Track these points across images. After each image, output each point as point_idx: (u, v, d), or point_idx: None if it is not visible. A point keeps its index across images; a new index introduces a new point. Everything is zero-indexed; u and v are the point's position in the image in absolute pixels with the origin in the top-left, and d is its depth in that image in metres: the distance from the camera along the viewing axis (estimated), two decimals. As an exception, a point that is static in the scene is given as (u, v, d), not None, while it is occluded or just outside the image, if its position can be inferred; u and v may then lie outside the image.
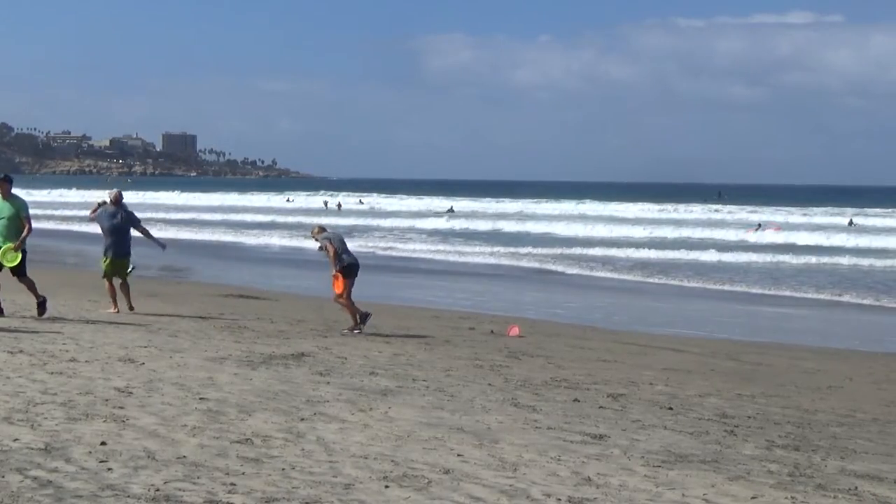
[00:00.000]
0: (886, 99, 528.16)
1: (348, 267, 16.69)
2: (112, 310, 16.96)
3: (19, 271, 15.10)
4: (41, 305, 15.26)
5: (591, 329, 18.98)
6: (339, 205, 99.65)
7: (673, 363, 14.54)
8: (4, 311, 15.08)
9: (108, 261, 17.24)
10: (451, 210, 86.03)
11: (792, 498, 7.46)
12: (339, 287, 16.62)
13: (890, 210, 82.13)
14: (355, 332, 16.23)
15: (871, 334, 18.48)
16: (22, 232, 14.94)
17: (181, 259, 37.07)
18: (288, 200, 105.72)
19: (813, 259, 38.69)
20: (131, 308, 17.20)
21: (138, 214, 18.51)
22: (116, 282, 17.20)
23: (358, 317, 16.42)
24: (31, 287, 15.23)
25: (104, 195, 18.25)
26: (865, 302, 26.48)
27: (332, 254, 16.49)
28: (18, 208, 14.97)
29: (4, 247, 14.79)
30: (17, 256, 14.94)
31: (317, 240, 17.54)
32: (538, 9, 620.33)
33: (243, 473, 7.13)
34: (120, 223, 17.36)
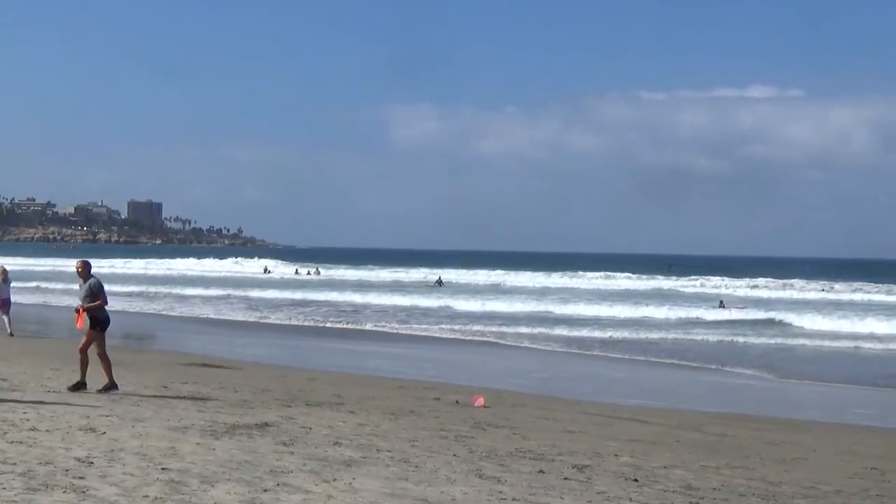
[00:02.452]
0: (852, 170, 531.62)
1: (106, 321, 16.58)
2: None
3: None
4: None
5: (556, 399, 18.98)
6: (315, 271, 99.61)
7: (638, 434, 14.55)
8: None
9: None
10: (439, 281, 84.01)
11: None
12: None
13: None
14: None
15: (833, 407, 18.51)
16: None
17: (143, 328, 37.00)
18: (309, 272, 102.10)
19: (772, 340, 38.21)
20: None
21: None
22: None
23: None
24: None
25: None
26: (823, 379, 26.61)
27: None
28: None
29: None
30: None
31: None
32: (504, 80, 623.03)
33: (205, 548, 7.06)
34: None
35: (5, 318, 24.63)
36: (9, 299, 27.39)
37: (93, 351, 16.03)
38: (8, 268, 22.86)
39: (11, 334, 20.00)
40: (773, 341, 36.19)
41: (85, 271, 16.97)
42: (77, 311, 16.44)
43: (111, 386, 15.99)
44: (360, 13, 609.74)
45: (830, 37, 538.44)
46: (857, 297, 67.40)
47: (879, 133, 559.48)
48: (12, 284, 27.56)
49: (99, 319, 16.23)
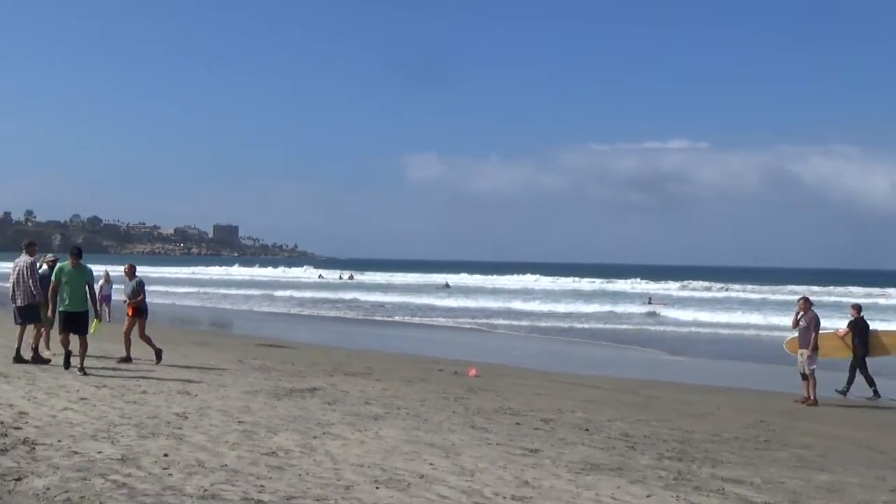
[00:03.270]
0: (744, 201, 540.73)
1: (145, 310, 16.22)
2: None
3: (83, 333, 13.54)
4: (83, 368, 13.26)
5: (528, 370, 19.01)
6: (349, 277, 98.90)
7: (588, 396, 14.60)
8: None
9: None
10: (446, 284, 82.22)
11: (676, 496, 7.53)
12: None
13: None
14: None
15: (735, 378, 18.53)
16: (92, 298, 13.95)
17: (222, 318, 36.97)
18: (320, 276, 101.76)
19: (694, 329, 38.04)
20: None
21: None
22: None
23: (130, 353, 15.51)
24: (85, 347, 13.56)
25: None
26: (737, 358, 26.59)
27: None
28: (88, 276, 13.79)
29: (94, 323, 13.92)
30: (95, 326, 14.04)
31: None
32: (490, 135, 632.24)
33: (270, 478, 7.15)
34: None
35: (106, 310, 24.65)
36: (110, 296, 27.50)
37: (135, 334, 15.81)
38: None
39: (108, 321, 19.66)
40: (660, 328, 36.46)
41: (131, 272, 16.72)
42: (126, 304, 16.12)
43: (159, 355, 15.71)
44: (383, 90, 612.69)
45: (729, 104, 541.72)
46: (747, 295, 67.19)
47: (764, 174, 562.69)
48: (112, 286, 27.71)
49: (139, 310, 16.00)
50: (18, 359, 14.09)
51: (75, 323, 13.42)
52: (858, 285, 79.84)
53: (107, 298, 26.85)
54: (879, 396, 16.87)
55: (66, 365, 13.29)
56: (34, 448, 7.69)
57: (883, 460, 10.15)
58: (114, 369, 14.28)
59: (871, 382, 17.04)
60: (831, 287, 74.61)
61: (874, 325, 18.85)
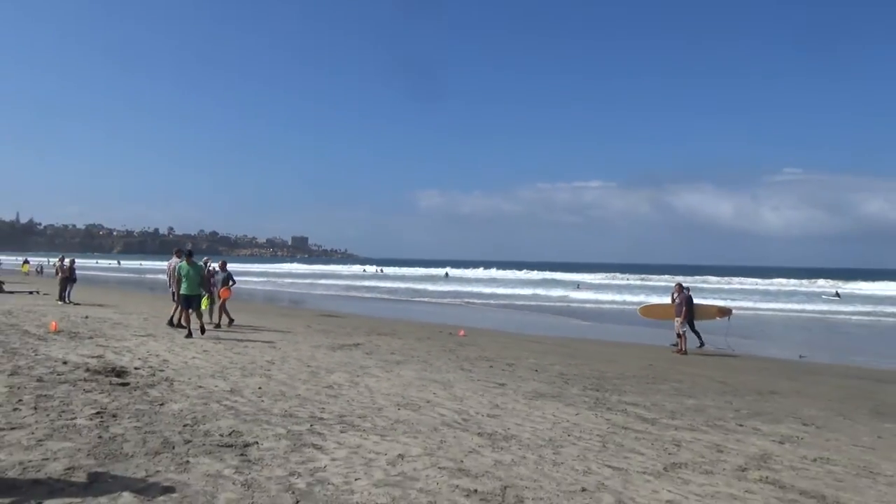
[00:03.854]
0: (639, 222, 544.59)
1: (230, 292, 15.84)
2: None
3: (199, 307, 13.35)
4: (199, 329, 13.07)
5: (500, 332, 19.02)
6: (380, 270, 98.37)
7: (537, 349, 14.61)
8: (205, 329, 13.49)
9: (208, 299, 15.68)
10: (446, 274, 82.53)
11: (595, 414, 7.54)
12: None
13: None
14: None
15: (638, 337, 18.53)
16: (202, 284, 13.57)
17: (296, 296, 36.93)
18: (378, 270, 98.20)
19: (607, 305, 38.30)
20: (216, 325, 15.34)
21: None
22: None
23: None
24: (200, 317, 13.35)
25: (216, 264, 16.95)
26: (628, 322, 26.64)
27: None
28: (199, 269, 13.46)
29: (205, 297, 13.79)
30: (206, 302, 13.90)
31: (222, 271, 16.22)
32: (472, 176, 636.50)
33: (328, 403, 7.15)
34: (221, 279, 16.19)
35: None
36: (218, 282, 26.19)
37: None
38: (230, 267, 21.64)
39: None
40: (584, 305, 36.23)
41: (223, 266, 16.43)
42: (220, 291, 15.65)
43: (231, 320, 15.41)
44: (405, 145, 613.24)
45: (629, 157, 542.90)
46: (640, 283, 67.27)
47: (651, 203, 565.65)
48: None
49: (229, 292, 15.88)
50: (170, 324, 14.26)
51: (192, 302, 13.14)
52: (710, 275, 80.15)
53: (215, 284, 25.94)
54: (704, 345, 16.84)
55: (189, 333, 12.75)
56: (172, 383, 7.69)
57: (729, 390, 10.17)
58: (225, 331, 14.27)
59: (698, 335, 17.16)
60: (695, 276, 75.06)
61: (697, 300, 19.16)
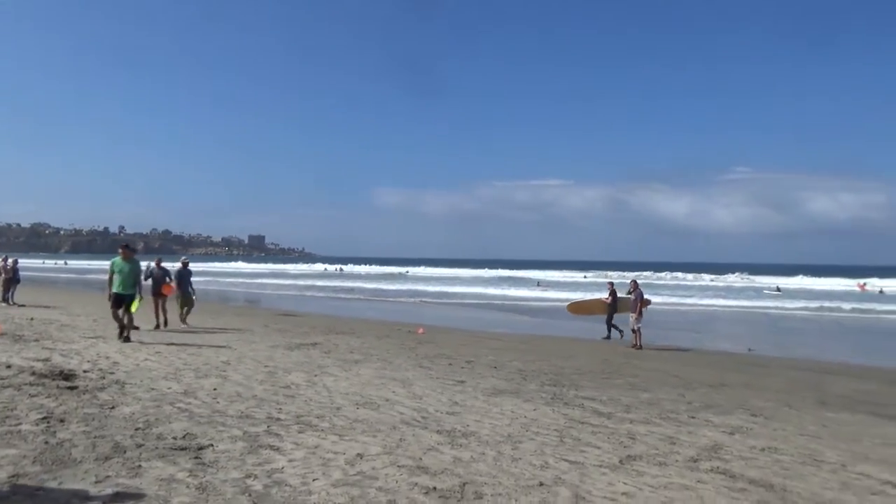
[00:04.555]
0: (596, 220, 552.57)
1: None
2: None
3: (129, 308, 11.70)
4: (128, 337, 11.64)
5: (457, 329, 19.06)
6: (340, 269, 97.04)
7: (496, 346, 14.70)
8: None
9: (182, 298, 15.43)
10: (406, 272, 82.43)
11: (553, 409, 7.62)
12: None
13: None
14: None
15: (595, 333, 18.78)
16: (137, 284, 11.93)
17: (253, 295, 36.35)
18: (337, 269, 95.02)
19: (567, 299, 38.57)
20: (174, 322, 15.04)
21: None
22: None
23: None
24: (131, 321, 11.88)
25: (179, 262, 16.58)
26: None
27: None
28: (136, 266, 12.01)
29: (136, 301, 11.72)
30: (137, 304, 11.72)
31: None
32: (429, 173, 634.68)
33: (285, 403, 7.06)
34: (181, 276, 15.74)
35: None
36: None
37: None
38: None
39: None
40: (543, 303, 36.66)
41: (158, 264, 15.59)
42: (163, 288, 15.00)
43: (166, 321, 14.71)
44: (360, 144, 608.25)
45: (585, 157, 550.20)
46: (599, 280, 68.22)
47: (607, 201, 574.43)
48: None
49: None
50: (157, 327, 14.04)
51: (123, 301, 11.75)
52: (658, 271, 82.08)
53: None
54: (610, 339, 17.63)
55: (122, 333, 11.60)
56: (123, 386, 7.48)
57: (682, 384, 10.40)
58: (178, 332, 13.94)
59: (615, 328, 17.95)
60: (647, 272, 76.72)
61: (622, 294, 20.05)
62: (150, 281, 14.87)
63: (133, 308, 11.75)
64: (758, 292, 48.68)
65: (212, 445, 5.26)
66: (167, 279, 15.24)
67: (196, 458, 4.92)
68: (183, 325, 14.97)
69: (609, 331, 17.97)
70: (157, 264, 15.56)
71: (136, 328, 14.07)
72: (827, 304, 36.00)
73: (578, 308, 21.48)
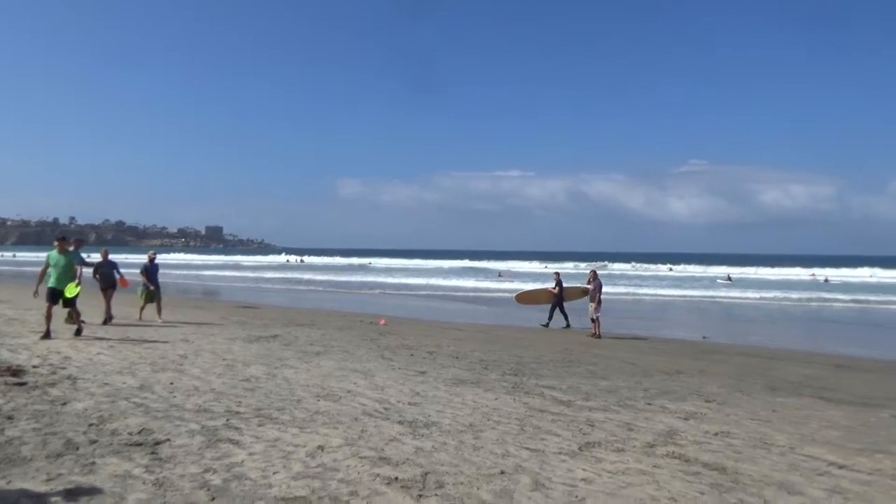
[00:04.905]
0: (554, 209, 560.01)
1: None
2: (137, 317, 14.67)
3: (72, 302, 11.12)
4: (79, 331, 11.25)
5: (419, 320, 19.05)
6: (301, 260, 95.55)
7: (457, 336, 14.74)
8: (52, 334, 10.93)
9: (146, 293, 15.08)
10: (369, 264, 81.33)
11: (514, 398, 7.69)
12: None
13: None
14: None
15: (555, 322, 18.98)
16: (75, 278, 11.11)
17: (211, 287, 35.71)
18: (298, 260, 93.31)
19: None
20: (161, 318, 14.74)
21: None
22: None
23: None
24: (78, 315, 11.39)
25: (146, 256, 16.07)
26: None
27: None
28: (72, 258, 11.24)
29: (74, 285, 11.00)
30: (75, 289, 11.01)
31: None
32: (392, 165, 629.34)
33: (245, 396, 6.97)
34: (155, 271, 15.34)
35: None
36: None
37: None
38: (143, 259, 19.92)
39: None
40: (504, 294, 36.95)
41: (105, 256, 14.80)
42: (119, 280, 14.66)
43: (110, 318, 13.87)
44: (322, 132, 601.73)
45: (546, 147, 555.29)
46: (561, 269, 68.96)
47: (567, 192, 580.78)
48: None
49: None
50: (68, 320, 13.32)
51: (58, 297, 11.10)
52: (622, 262, 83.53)
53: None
54: (569, 326, 18.14)
55: (48, 333, 10.81)
56: (76, 381, 7.28)
57: (639, 371, 10.62)
58: (133, 326, 13.60)
59: (566, 318, 18.51)
60: (605, 262, 77.99)
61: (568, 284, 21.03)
62: (95, 273, 14.43)
63: (69, 293, 11.02)
64: (712, 281, 49.97)
65: (169, 440, 5.16)
66: (116, 272, 14.72)
67: (152, 453, 4.83)
68: (158, 321, 14.56)
69: (550, 318, 18.52)
70: (104, 256, 14.91)
71: (83, 322, 13.74)
72: (777, 292, 37.18)
73: (525, 298, 21.93)
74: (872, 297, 34.13)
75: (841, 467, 5.43)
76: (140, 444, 5.01)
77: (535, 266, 76.99)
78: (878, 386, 10.16)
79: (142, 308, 15.14)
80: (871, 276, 59.96)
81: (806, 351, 14.73)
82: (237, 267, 70.17)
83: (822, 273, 61.73)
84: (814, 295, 35.73)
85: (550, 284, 20.19)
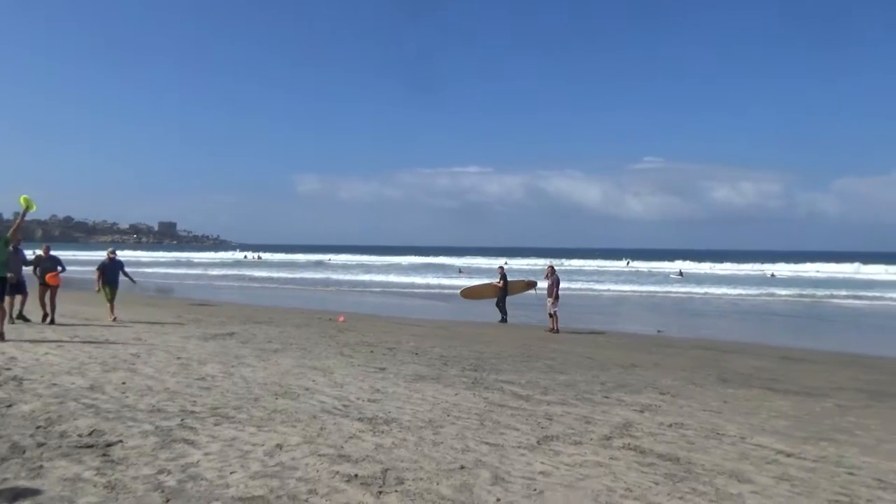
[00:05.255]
0: (513, 205, 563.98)
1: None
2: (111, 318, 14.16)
3: (22, 290, 11.09)
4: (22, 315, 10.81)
5: (378, 316, 18.98)
6: (259, 256, 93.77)
7: (417, 332, 14.74)
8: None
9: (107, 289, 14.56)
10: (328, 260, 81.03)
11: (474, 393, 7.72)
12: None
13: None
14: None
15: (513, 318, 19.12)
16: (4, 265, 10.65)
17: (165, 285, 34.87)
18: (255, 257, 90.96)
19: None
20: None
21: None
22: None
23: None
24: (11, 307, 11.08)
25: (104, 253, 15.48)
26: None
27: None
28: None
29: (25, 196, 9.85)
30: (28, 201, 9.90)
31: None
32: (351, 160, 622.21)
33: (200, 395, 6.84)
34: (114, 267, 14.86)
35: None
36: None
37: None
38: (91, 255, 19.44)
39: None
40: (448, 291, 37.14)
41: (46, 251, 14.31)
42: (47, 277, 13.80)
43: (46, 315, 13.39)
44: (279, 125, 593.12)
45: (505, 144, 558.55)
46: (518, 265, 69.72)
47: (525, 188, 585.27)
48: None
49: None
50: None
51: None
52: (579, 258, 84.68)
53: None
54: (506, 322, 18.50)
55: None
56: (21, 383, 7.02)
57: (596, 365, 10.79)
58: (83, 325, 13.18)
59: (504, 312, 18.88)
60: (562, 259, 78.94)
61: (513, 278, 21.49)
62: (35, 269, 13.92)
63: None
64: (665, 277, 51.11)
65: (121, 441, 5.02)
66: (58, 268, 14.15)
67: (104, 455, 4.69)
68: (108, 319, 14.06)
69: (503, 314, 18.76)
70: (45, 252, 14.35)
71: (28, 319, 13.29)
72: (726, 287, 38.25)
73: (471, 293, 22.18)
74: (818, 292, 35.41)
75: (788, 455, 5.62)
76: (91, 447, 4.86)
77: (493, 261, 77.39)
78: (823, 377, 10.56)
79: (111, 308, 14.55)
80: (817, 272, 62.14)
81: (755, 343, 15.20)
82: (190, 264, 68.51)
83: (770, 268, 63.77)
84: (762, 290, 36.87)
85: (494, 279, 20.52)
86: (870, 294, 34.53)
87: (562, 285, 17.61)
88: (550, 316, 16.50)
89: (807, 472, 5.16)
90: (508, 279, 19.93)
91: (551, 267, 17.58)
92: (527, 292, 21.53)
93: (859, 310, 27.40)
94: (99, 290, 14.74)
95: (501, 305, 19.00)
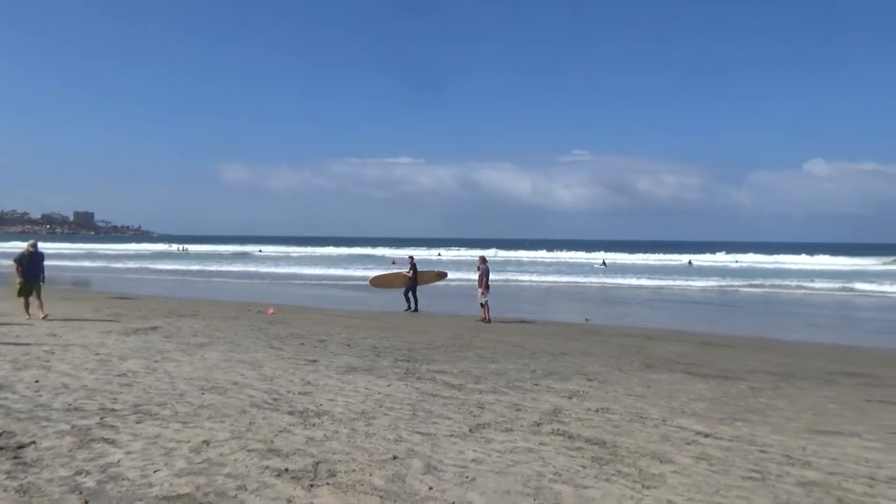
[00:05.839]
0: (445, 196, 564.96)
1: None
2: (26, 316, 13.39)
3: None
4: None
5: (308, 308, 18.69)
6: (184, 248, 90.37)
7: (349, 323, 14.62)
8: None
9: (24, 283, 13.75)
10: (259, 251, 79.04)
11: (406, 384, 7.73)
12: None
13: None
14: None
15: (447, 308, 19.23)
16: None
17: (81, 278, 33.20)
18: (180, 248, 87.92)
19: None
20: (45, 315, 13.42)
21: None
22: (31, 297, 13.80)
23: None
24: None
25: (25, 245, 14.49)
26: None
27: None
28: None
29: None
30: None
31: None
32: (280, 148, 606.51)
33: (121, 392, 6.58)
34: (34, 261, 14.02)
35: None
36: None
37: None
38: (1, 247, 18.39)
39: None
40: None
41: (32, 250, 14.07)
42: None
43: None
44: (204, 109, 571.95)
45: (437, 135, 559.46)
46: (451, 257, 70.19)
47: (457, 180, 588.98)
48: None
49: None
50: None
51: None
52: (509, 249, 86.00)
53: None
54: (417, 311, 18.81)
55: None
56: (-79, 383, 6.54)
57: (527, 353, 11.00)
58: (-9, 320, 12.40)
59: (416, 302, 19.18)
60: (495, 249, 79.92)
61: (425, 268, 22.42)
62: None
63: None
64: (591, 267, 52.59)
65: (34, 443, 4.76)
66: None
67: (15, 457, 4.43)
68: (39, 315, 13.25)
69: (409, 302, 19.01)
70: (33, 247, 13.95)
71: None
72: (648, 277, 39.72)
73: (380, 281, 22.33)
74: (735, 282, 37.25)
75: (707, 436, 5.90)
76: (1, 449, 4.58)
77: (427, 253, 77.56)
78: (738, 360, 11.13)
79: (25, 304, 13.66)
80: (735, 262, 65.31)
81: (676, 330, 15.85)
82: (107, 257, 65.36)
83: (689, 258, 66.65)
84: (681, 280, 38.46)
85: (405, 268, 20.71)
86: (783, 283, 36.60)
87: (492, 276, 17.81)
88: (482, 306, 16.68)
89: (723, 451, 5.43)
90: (418, 269, 20.07)
91: (482, 258, 17.77)
92: (436, 283, 21.93)
93: (774, 296, 29.03)
94: (20, 285, 13.82)
95: (409, 295, 19.16)
